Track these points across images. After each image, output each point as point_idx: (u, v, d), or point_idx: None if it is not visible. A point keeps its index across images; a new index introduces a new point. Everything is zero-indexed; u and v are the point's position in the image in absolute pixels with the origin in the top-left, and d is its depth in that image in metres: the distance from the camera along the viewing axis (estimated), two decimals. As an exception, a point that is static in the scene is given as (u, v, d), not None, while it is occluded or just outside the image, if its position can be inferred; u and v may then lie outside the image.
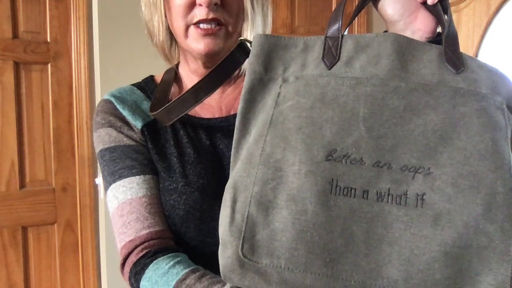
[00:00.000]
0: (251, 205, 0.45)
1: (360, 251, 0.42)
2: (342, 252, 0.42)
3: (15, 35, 1.82)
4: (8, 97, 1.81)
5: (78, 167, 1.91)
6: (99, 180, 1.85)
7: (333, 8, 2.19)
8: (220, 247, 0.47)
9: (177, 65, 0.76)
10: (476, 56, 1.81)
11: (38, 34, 1.86)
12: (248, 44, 0.55)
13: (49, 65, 1.87)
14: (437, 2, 0.50)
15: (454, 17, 1.88)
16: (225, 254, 0.46)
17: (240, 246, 0.45)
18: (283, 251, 0.43)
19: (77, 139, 1.90)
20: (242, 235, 0.45)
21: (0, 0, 1.77)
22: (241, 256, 0.44)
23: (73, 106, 1.90)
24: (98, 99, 1.77)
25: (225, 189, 0.49)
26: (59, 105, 1.89)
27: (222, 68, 0.57)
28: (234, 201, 0.47)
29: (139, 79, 0.75)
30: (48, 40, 1.87)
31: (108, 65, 1.73)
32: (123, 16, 1.72)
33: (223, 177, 0.65)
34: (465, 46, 1.84)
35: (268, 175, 0.45)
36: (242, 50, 0.56)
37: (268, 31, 0.72)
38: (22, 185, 1.85)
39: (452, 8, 1.88)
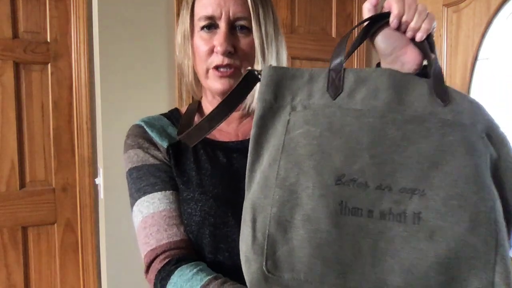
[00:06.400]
0: (270, 224, 0.51)
1: (367, 263, 0.49)
2: (352, 264, 0.49)
3: (15, 35, 1.81)
4: (8, 97, 1.81)
5: (78, 167, 1.90)
6: (99, 180, 1.85)
7: (333, 8, 2.19)
8: (243, 263, 0.52)
9: (200, 98, 0.86)
10: (476, 56, 1.81)
11: (38, 34, 1.86)
12: (256, 73, 0.61)
13: (49, 65, 1.87)
14: (424, 40, 0.58)
15: (454, 17, 1.88)
16: (250, 270, 0.51)
17: (264, 263, 0.50)
18: (302, 266, 0.50)
19: (77, 139, 1.90)
20: (265, 253, 0.51)
21: (0, 0, 1.77)
22: (266, 272, 0.50)
23: (73, 106, 1.90)
24: (98, 99, 1.77)
25: (244, 209, 0.55)
26: (59, 105, 1.89)
27: (230, 98, 0.63)
28: (253, 221, 0.52)
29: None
30: (48, 40, 1.87)
31: (108, 65, 1.73)
32: (123, 16, 1.72)
33: (237, 188, 0.72)
34: (465, 46, 1.83)
35: (284, 197, 0.51)
36: (249, 79, 0.62)
37: (283, 62, 0.81)
38: (22, 185, 1.85)
39: (452, 8, 1.88)
